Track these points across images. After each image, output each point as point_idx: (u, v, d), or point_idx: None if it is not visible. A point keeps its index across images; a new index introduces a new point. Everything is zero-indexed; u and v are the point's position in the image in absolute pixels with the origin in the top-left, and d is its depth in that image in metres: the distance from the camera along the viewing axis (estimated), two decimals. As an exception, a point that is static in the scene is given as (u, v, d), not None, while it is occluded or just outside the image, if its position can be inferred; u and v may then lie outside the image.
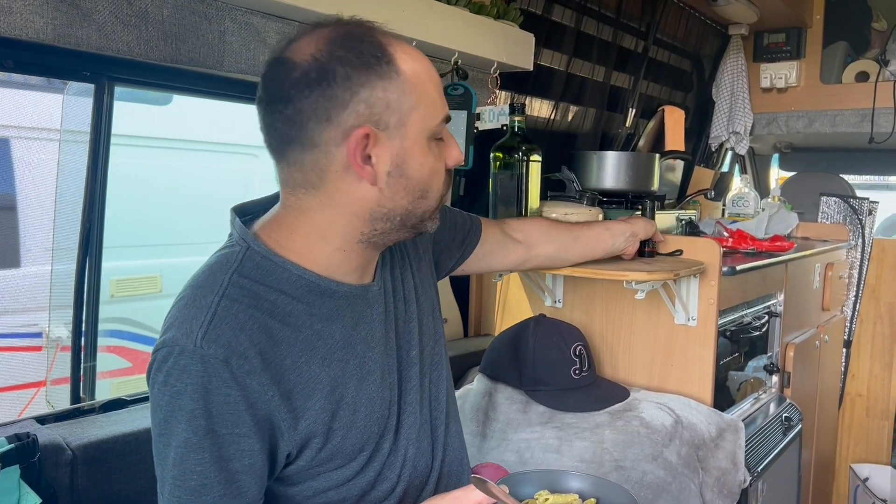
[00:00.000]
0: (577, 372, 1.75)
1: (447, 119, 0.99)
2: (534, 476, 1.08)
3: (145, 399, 1.48)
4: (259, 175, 4.20)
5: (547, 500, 1.03)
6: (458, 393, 1.78)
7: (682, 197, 2.71)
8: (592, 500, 1.04)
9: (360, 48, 0.92)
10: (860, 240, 2.88)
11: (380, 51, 0.93)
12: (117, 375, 3.63)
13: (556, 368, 1.70)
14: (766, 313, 2.18)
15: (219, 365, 0.87)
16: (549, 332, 1.78)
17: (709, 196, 2.81)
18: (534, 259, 1.55)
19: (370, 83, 0.91)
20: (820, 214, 2.97)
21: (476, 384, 1.78)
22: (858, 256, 2.88)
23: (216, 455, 0.89)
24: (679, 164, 2.68)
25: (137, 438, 1.31)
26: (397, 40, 0.96)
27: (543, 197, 1.84)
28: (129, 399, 1.48)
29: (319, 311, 0.98)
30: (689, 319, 1.81)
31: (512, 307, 2.15)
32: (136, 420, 1.37)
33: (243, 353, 0.89)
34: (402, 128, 0.94)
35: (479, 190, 1.83)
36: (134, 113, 3.80)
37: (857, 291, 2.91)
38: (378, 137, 0.93)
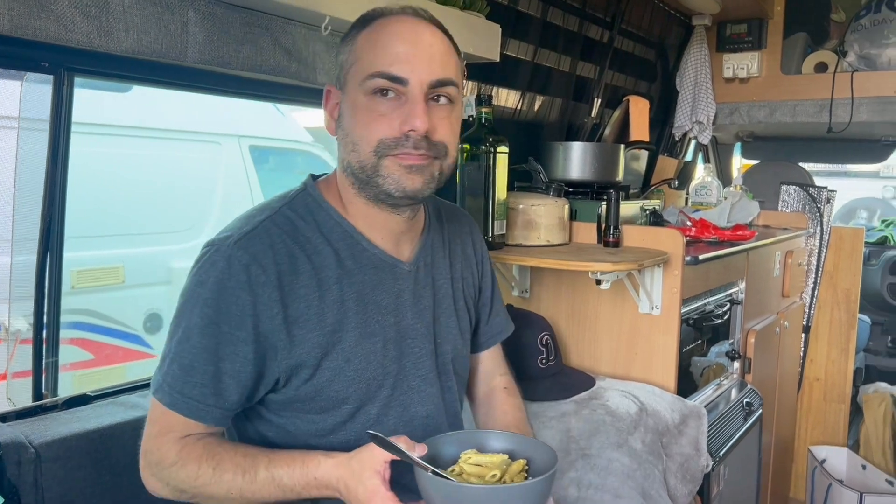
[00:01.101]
0: (543, 361, 1.77)
1: (385, 76, 1.02)
2: (456, 438, 1.08)
3: (110, 394, 1.46)
4: (224, 164, 4.15)
5: (470, 458, 1.03)
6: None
7: (646, 186, 2.74)
8: (522, 460, 1.05)
9: (362, 20, 1.07)
10: (818, 227, 2.94)
11: (368, 22, 1.06)
12: (80, 368, 3.57)
13: (523, 358, 1.72)
14: (727, 301, 2.22)
15: (240, 268, 1.00)
16: (517, 322, 1.80)
17: (672, 185, 2.85)
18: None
19: (342, 49, 1.08)
20: (780, 203, 3.03)
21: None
22: (817, 244, 2.95)
23: (213, 347, 1.00)
24: (643, 154, 2.71)
25: (102, 435, 1.30)
26: (407, 14, 1.06)
27: (511, 188, 1.85)
28: (93, 395, 1.46)
29: (346, 262, 1.09)
30: (653, 308, 1.84)
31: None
32: (101, 416, 1.35)
33: (264, 267, 1.00)
34: (346, 84, 1.06)
35: (448, 181, 1.84)
36: (94, 100, 3.71)
37: (816, 278, 2.98)
38: (334, 94, 1.09)
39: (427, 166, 1.06)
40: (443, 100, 1.06)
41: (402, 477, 0.98)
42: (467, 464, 1.02)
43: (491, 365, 1.41)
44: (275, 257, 1.02)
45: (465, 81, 1.91)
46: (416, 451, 0.96)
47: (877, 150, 3.36)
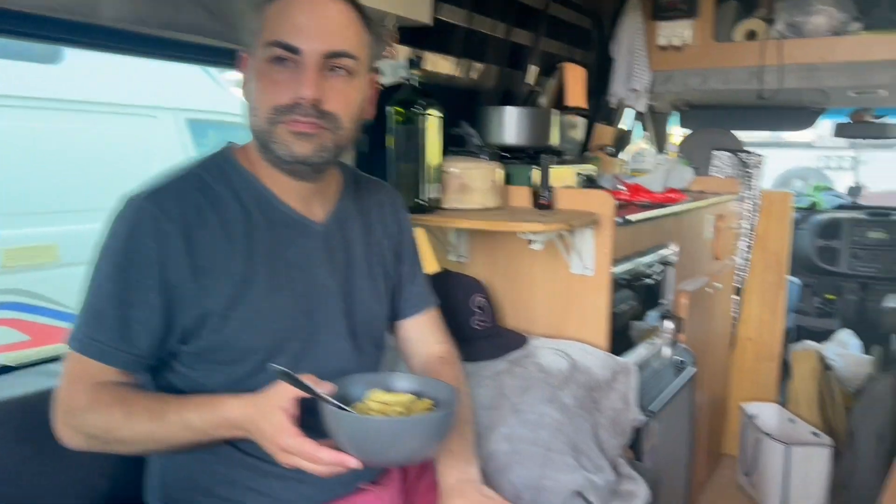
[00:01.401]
0: (478, 322, 1.79)
1: (281, 45, 1.05)
2: (364, 379, 1.12)
3: (34, 364, 1.43)
4: (160, 138, 4.05)
5: (376, 397, 1.07)
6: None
7: (583, 153, 2.78)
8: (428, 400, 1.09)
9: None
10: (749, 191, 3.03)
11: None
12: (15, 349, 3.48)
13: (457, 320, 1.74)
14: (660, 262, 2.28)
15: (148, 218, 1.04)
16: (451, 285, 1.82)
17: (609, 152, 2.88)
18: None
19: (253, 16, 1.10)
20: (712, 168, 3.11)
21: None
22: (748, 207, 3.03)
23: (122, 294, 1.04)
24: (580, 122, 2.74)
25: (23, 404, 1.27)
26: None
27: (446, 153, 1.86)
28: (15, 366, 1.42)
29: (255, 218, 1.13)
30: (584, 269, 1.88)
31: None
32: (23, 385, 1.32)
33: (171, 218, 1.05)
34: (254, 51, 1.09)
35: (382, 145, 1.83)
36: (23, 72, 3.58)
37: (748, 241, 3.07)
38: (244, 59, 1.13)
39: (316, 135, 1.08)
40: (340, 71, 1.09)
41: (309, 421, 1.00)
42: (373, 401, 1.05)
43: (422, 334, 1.43)
44: (182, 210, 1.07)
45: (396, 45, 1.91)
46: (323, 389, 0.98)
47: (805, 116, 3.46)
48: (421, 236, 2.12)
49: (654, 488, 1.79)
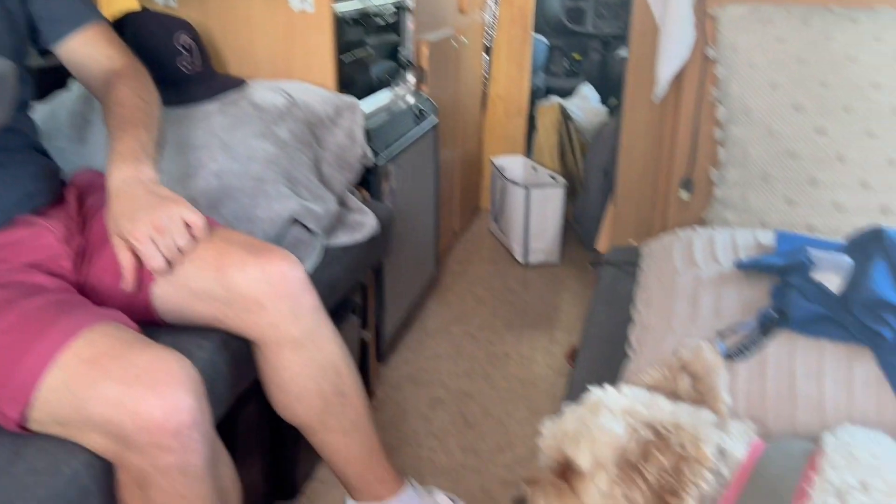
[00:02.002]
0: (186, 64, 1.64)
1: None
2: None
3: None
4: None
5: None
6: (51, 102, 1.59)
7: None
8: None
9: None
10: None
11: None
12: None
13: (160, 61, 1.57)
14: (394, 5, 2.20)
15: None
16: (149, 24, 1.63)
17: None
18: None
19: None
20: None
21: (73, 89, 1.60)
22: (493, -40, 2.99)
23: None
24: None
25: None
26: None
27: None
28: None
29: None
30: (304, 3, 1.76)
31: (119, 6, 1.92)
32: None
33: None
34: None
35: None
36: None
37: (495, -3, 3.06)
38: None
39: None
40: None
41: None
42: None
43: (88, 52, 1.27)
44: None
45: None
46: None
47: None
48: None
49: (387, 224, 1.84)
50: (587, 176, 2.84)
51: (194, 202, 1.41)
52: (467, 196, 3.16)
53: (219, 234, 1.19)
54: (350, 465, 1.33)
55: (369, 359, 2.03)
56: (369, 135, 1.87)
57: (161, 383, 0.92)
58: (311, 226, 1.49)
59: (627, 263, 1.53)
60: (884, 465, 0.78)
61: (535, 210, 2.81)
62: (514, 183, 2.86)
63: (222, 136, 1.50)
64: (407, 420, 1.98)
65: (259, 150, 1.50)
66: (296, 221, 1.47)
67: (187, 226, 1.09)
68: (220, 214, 1.43)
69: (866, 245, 1.07)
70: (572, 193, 2.99)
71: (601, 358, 1.23)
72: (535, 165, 3.07)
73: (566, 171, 3.13)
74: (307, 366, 1.22)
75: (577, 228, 2.90)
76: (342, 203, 1.69)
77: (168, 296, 1.16)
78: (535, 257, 2.90)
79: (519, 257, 2.92)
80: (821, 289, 1.01)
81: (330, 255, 1.59)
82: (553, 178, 2.91)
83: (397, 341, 2.34)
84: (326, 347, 1.24)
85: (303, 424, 1.28)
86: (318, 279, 1.52)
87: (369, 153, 1.82)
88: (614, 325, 1.32)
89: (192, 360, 1.03)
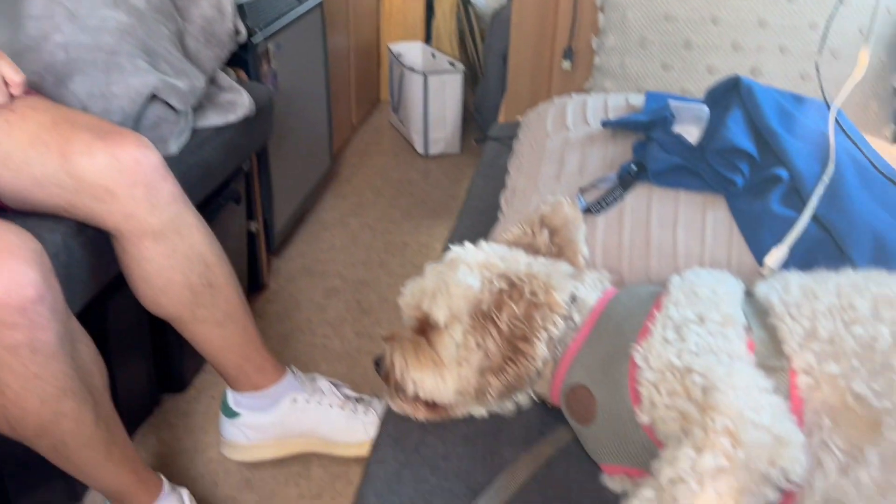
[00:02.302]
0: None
1: None
2: None
3: None
4: None
5: None
6: None
7: None
8: None
9: None
10: None
11: None
12: None
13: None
14: None
15: None
16: None
17: None
18: None
19: None
20: None
21: None
22: None
23: None
24: None
25: None
26: None
27: None
28: None
29: None
30: None
31: None
32: None
33: None
34: None
35: None
36: None
37: None
38: None
39: None
40: None
41: None
42: None
43: None
44: None
45: None
46: None
47: None
48: None
49: (266, 106, 1.75)
50: (487, 62, 2.77)
51: (40, 77, 1.31)
52: (365, 86, 3.05)
53: (63, 115, 1.09)
54: (226, 355, 1.29)
55: (259, 251, 1.98)
56: (242, 9, 1.75)
57: (0, 258, 0.86)
58: (174, 103, 1.39)
59: (509, 138, 1.50)
60: (722, 300, 0.80)
61: (433, 98, 2.74)
62: (412, 70, 2.77)
63: (66, 5, 1.36)
64: (301, 310, 1.96)
65: (111, 20, 1.37)
66: (157, 98, 1.37)
67: (6, 83, 0.99)
68: (72, 92, 1.31)
69: (724, 95, 1.08)
70: (473, 81, 2.93)
71: (476, 227, 1.22)
72: (434, 52, 2.98)
73: (467, 59, 3.06)
74: (170, 257, 1.16)
75: (478, 117, 2.85)
76: (213, 81, 1.59)
77: (7, 181, 1.06)
78: (436, 148, 2.85)
79: (419, 148, 2.87)
80: (679, 140, 1.01)
81: (200, 136, 1.50)
82: (452, 64, 2.84)
83: (291, 234, 2.29)
84: (191, 237, 1.18)
85: (171, 317, 1.23)
86: (188, 161, 1.44)
87: (242, 29, 1.71)
88: (491, 196, 1.30)
89: (44, 243, 0.96)
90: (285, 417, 1.37)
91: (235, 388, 1.35)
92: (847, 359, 0.73)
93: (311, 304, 1.98)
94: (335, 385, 1.43)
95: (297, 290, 2.04)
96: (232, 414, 1.38)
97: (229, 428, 1.39)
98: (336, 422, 1.39)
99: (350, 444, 1.40)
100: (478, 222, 1.25)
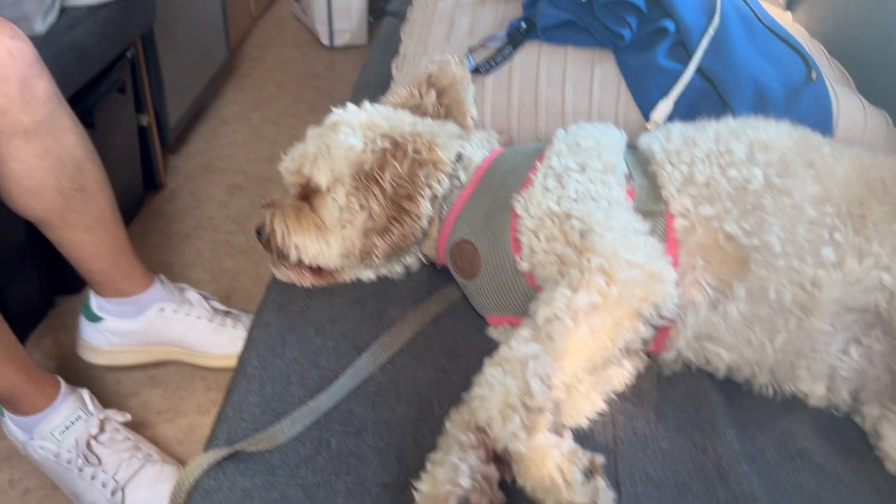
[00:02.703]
0: None
1: None
2: None
3: None
4: None
5: None
6: None
7: None
8: None
9: None
10: None
11: None
12: None
13: None
14: None
15: None
16: None
17: None
18: None
19: None
20: None
21: None
22: None
23: None
24: None
25: None
26: None
27: None
28: None
29: None
30: None
31: None
32: None
33: None
34: None
35: None
36: None
37: None
38: None
39: None
40: None
41: None
42: None
43: None
44: None
45: None
46: None
47: None
48: None
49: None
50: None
51: None
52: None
53: None
54: (94, 261, 1.23)
55: (153, 147, 1.87)
56: None
57: None
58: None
59: (405, 11, 1.44)
60: (604, 150, 0.79)
61: (336, -14, 2.61)
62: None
63: None
64: (203, 208, 1.89)
65: None
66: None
67: None
68: None
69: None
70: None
71: (371, 97, 1.18)
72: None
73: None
74: (42, 158, 1.08)
75: (384, 5, 2.73)
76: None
77: None
78: (341, 39, 2.73)
79: (324, 40, 2.74)
80: (569, -5, 0.98)
81: (72, 15, 1.39)
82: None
83: (189, 130, 2.18)
84: (65, 139, 1.10)
85: (39, 220, 1.16)
86: (59, 43, 1.33)
87: None
88: (387, 71, 1.25)
89: None
90: (151, 326, 1.33)
91: (100, 293, 1.30)
92: (721, 201, 0.74)
93: (212, 202, 1.91)
94: (205, 297, 1.39)
95: (198, 188, 1.96)
96: (94, 318, 1.33)
97: (90, 331, 1.34)
98: (203, 334, 1.36)
99: (216, 356, 1.37)
100: (374, 94, 1.20)
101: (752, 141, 0.78)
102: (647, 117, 0.92)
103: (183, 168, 2.04)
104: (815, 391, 0.74)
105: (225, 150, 2.13)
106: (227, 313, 1.40)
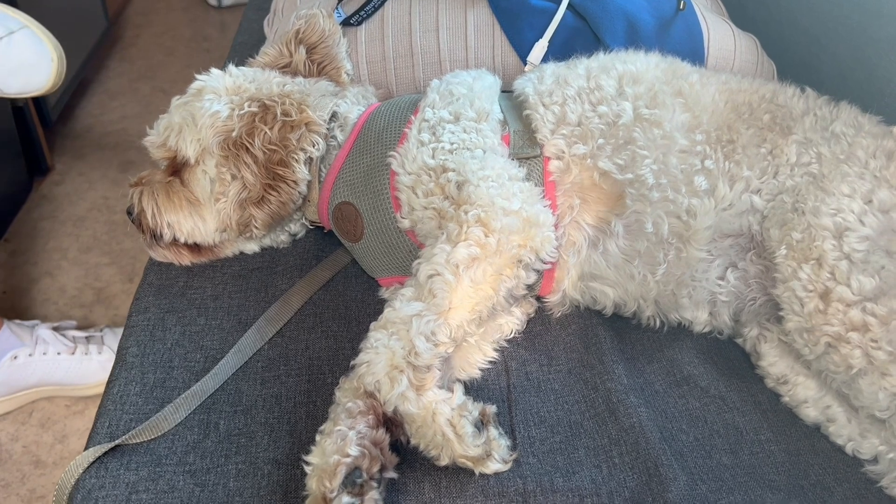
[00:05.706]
0: None
1: None
2: None
3: None
4: None
5: None
6: None
7: None
8: None
9: None
10: None
11: None
12: None
13: None
14: None
15: None
16: None
17: None
18: None
19: None
20: None
21: None
22: None
23: None
24: None
25: None
26: None
27: None
28: None
29: None
30: None
31: None
32: None
33: None
34: None
35: None
36: None
37: None
38: None
39: None
40: None
41: None
42: None
43: None
44: None
45: None
46: None
47: None
48: None
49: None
50: None
51: None
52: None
53: None
54: None
55: (34, 127, 1.76)
56: None
57: None
58: None
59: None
60: (477, 97, 0.78)
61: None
62: None
63: None
64: (96, 188, 1.79)
65: None
66: None
67: None
68: None
69: None
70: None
71: (248, 57, 1.12)
72: None
73: None
74: None
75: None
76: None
77: None
78: (230, -2, 2.61)
79: (211, 0, 2.61)
80: (436, -63, 0.94)
81: None
82: None
83: (73, 108, 2.05)
84: None
85: None
86: None
87: None
88: (262, 27, 1.20)
89: None
90: (8, 376, 1.25)
91: None
92: (593, 139, 0.74)
93: (105, 181, 1.82)
94: (59, 329, 1.31)
95: (89, 168, 1.86)
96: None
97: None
98: (67, 369, 1.28)
99: (88, 385, 1.30)
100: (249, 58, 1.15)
101: (621, 75, 0.78)
102: (524, 60, 0.90)
103: (71, 148, 1.92)
104: (698, 318, 0.76)
105: (115, 125, 2.02)
106: (88, 339, 1.31)
